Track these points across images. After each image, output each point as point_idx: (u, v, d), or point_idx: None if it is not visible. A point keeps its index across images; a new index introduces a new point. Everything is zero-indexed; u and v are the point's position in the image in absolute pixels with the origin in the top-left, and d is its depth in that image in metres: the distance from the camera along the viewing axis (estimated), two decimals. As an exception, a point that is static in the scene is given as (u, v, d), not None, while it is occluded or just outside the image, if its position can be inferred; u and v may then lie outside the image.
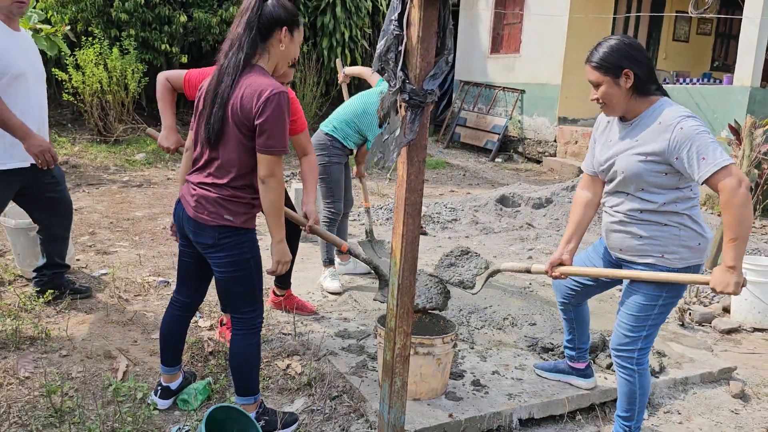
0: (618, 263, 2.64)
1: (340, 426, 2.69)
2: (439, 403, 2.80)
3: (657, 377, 3.26)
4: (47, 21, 9.64)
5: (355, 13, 13.05)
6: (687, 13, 9.81)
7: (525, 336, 3.62)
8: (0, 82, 3.07)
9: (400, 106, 2.16)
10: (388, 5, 13.86)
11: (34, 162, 3.25)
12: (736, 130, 7.18)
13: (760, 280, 4.25)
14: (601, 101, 2.46)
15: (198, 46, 11.04)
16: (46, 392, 2.63)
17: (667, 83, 11.50)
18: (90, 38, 9.57)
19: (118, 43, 9.76)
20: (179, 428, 2.49)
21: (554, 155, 11.17)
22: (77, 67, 9.27)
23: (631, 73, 2.37)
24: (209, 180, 2.36)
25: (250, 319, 2.50)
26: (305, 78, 12.04)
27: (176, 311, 2.68)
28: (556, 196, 7.03)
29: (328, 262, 4.35)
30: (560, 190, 7.19)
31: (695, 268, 2.49)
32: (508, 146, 12.26)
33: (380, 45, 2.17)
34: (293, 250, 3.54)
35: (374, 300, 3.98)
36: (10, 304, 3.54)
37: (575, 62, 10.64)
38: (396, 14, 2.14)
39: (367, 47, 13.85)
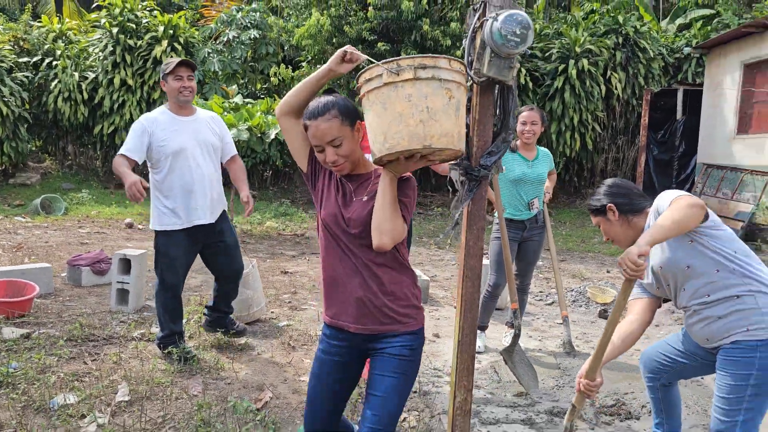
0: (713, 354, 2.50)
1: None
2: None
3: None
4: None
5: (586, 97, 13.08)
6: None
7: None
8: (161, 160, 3.83)
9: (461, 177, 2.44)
10: (623, 89, 13.66)
11: (207, 222, 3.96)
12: None
13: None
14: (610, 239, 2.67)
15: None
16: (197, 407, 3.27)
17: None
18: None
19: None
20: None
21: (810, 247, 9.72)
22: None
23: (613, 206, 2.58)
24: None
25: None
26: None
27: None
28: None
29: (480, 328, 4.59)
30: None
31: None
32: (755, 235, 10.94)
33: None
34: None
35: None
36: (206, 339, 4.38)
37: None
38: (461, 100, 2.45)
39: (600, 131, 13.69)
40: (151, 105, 12.56)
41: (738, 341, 2.31)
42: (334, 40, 10.96)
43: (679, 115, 14.44)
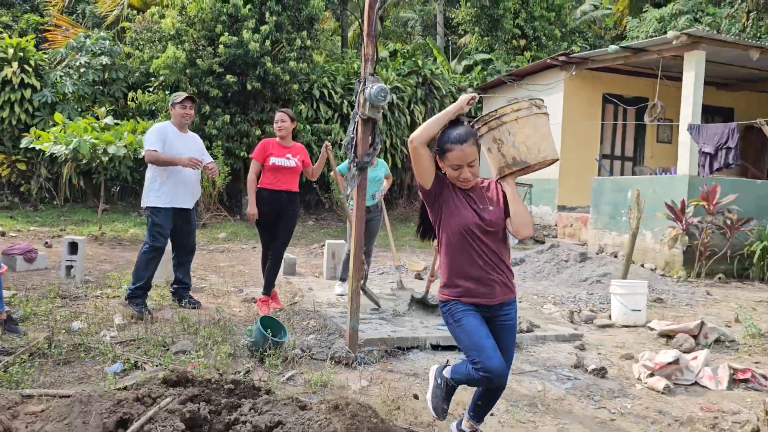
0: None
1: (330, 341, 5.03)
2: (384, 329, 5.12)
3: (525, 333, 5.44)
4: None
5: (395, 125, 16.02)
6: (660, 121, 12.18)
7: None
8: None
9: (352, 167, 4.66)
10: (423, 119, 16.85)
11: (184, 208, 5.76)
12: (672, 208, 9.36)
13: (626, 293, 6.38)
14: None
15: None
16: (179, 319, 5.11)
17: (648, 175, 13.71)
18: (188, 148, 12.73)
19: (209, 151, 12.88)
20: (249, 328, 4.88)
21: (555, 236, 13.36)
22: (178, 169, 12.35)
23: None
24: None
25: None
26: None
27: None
28: (528, 257, 9.29)
29: (342, 280, 6.82)
30: (533, 254, 9.45)
31: None
32: (521, 231, 14.54)
33: (345, 140, 4.70)
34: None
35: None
36: (163, 295, 6.11)
37: (569, 162, 13.10)
38: (352, 128, 4.68)
39: (407, 152, 16.69)
40: (-1, 123, 13.12)
41: None
42: (187, 71, 12.61)
43: (466, 140, 17.99)
